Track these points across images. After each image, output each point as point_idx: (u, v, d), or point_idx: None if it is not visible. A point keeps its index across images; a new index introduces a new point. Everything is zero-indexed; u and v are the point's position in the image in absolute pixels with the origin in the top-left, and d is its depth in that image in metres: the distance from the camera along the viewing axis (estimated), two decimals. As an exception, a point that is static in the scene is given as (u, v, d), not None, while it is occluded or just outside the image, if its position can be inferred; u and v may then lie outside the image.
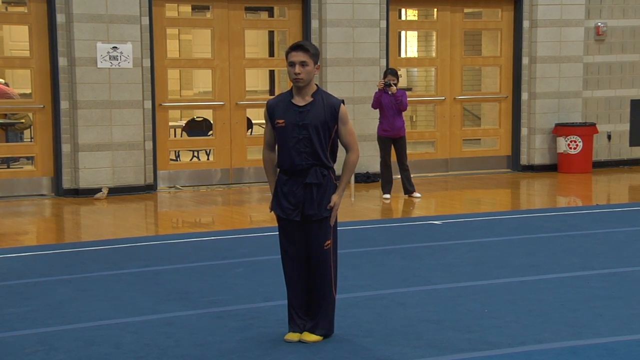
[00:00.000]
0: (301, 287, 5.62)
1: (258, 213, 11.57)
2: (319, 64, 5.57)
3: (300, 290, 5.63)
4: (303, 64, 5.43)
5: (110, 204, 11.91)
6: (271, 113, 5.59)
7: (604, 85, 15.33)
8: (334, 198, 5.55)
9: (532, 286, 7.04)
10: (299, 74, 5.44)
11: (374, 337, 5.71)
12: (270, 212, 5.69)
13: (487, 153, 15.33)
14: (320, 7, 13.51)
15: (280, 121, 5.52)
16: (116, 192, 12.46)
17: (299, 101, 5.52)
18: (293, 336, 5.62)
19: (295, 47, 5.46)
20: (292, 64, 5.45)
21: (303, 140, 5.47)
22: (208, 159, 14.48)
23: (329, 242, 5.56)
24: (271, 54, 17.76)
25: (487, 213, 11.06)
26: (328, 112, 5.50)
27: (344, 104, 5.58)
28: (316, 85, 5.58)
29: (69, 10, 12.17)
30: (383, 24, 13.89)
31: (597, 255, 8.23)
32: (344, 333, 5.74)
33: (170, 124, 14.46)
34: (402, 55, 19.21)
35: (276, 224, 5.72)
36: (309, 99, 5.51)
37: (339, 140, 5.62)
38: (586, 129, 14.65)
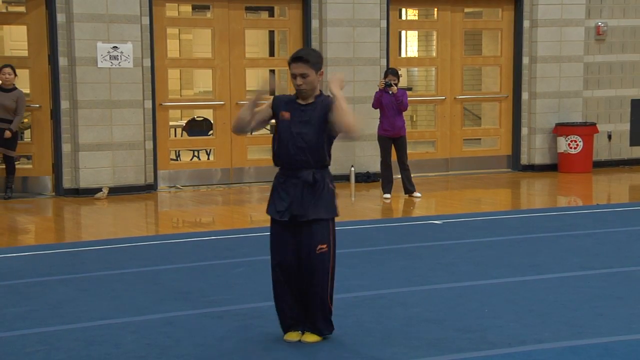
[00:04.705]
0: (295, 297, 5.56)
1: (258, 213, 11.56)
2: (322, 70, 5.54)
3: (294, 301, 5.56)
4: (303, 75, 5.44)
5: (110, 204, 11.91)
6: (276, 105, 5.60)
7: (604, 85, 15.33)
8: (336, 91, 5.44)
9: (533, 286, 7.04)
10: (300, 85, 5.46)
11: (374, 336, 5.71)
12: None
13: (487, 153, 15.33)
14: (321, 6, 13.51)
15: (286, 113, 5.53)
16: (116, 191, 12.46)
17: (302, 101, 5.56)
18: (293, 336, 5.61)
19: (296, 59, 5.45)
20: (293, 76, 5.46)
21: (301, 135, 5.48)
22: (208, 158, 14.48)
23: (323, 246, 5.48)
24: (271, 53, 17.77)
25: (488, 213, 11.06)
26: (325, 110, 5.51)
27: None
28: (320, 90, 5.59)
29: (69, 10, 12.17)
30: (383, 23, 13.88)
31: (598, 255, 8.22)
32: (344, 333, 5.73)
33: (171, 123, 14.47)
34: (403, 55, 19.22)
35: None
36: (311, 100, 5.55)
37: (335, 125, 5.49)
38: (586, 129, 14.65)
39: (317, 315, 5.57)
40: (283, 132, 5.55)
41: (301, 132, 5.49)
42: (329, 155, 5.63)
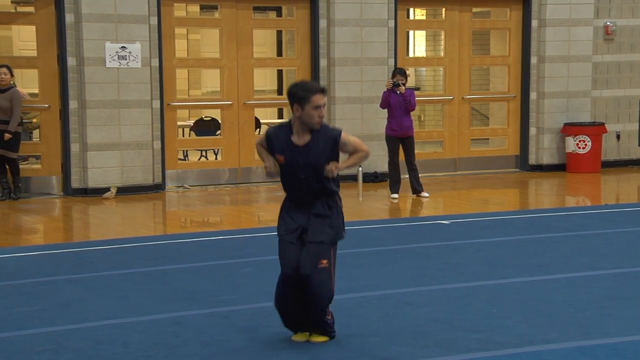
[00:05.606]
0: (294, 309, 5.52)
1: (266, 212, 11.57)
2: None
3: (293, 312, 5.53)
4: (324, 106, 5.41)
5: (118, 204, 11.93)
6: (270, 144, 5.53)
7: (612, 84, 15.30)
8: (337, 164, 5.43)
9: (541, 286, 7.02)
10: (322, 116, 5.39)
11: (382, 336, 5.70)
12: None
13: (495, 153, 15.30)
14: (329, 6, 13.51)
15: (280, 158, 5.46)
16: (124, 191, 12.48)
17: (298, 140, 5.42)
18: (300, 336, 5.61)
19: (321, 90, 5.38)
20: (317, 107, 5.33)
21: (305, 180, 5.43)
22: (216, 158, 14.49)
23: (324, 262, 5.42)
24: (279, 53, 17.76)
25: (496, 213, 11.05)
26: (329, 146, 5.42)
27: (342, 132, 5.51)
28: None
29: (78, 10, 12.19)
30: (391, 23, 13.87)
31: (606, 255, 8.20)
32: (352, 332, 5.73)
33: (179, 123, 14.48)
34: (410, 54, 19.19)
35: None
36: (307, 137, 5.42)
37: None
38: (595, 129, 14.61)
39: (317, 326, 5.55)
40: (287, 174, 5.49)
41: (307, 177, 5.41)
42: (338, 184, 5.55)
